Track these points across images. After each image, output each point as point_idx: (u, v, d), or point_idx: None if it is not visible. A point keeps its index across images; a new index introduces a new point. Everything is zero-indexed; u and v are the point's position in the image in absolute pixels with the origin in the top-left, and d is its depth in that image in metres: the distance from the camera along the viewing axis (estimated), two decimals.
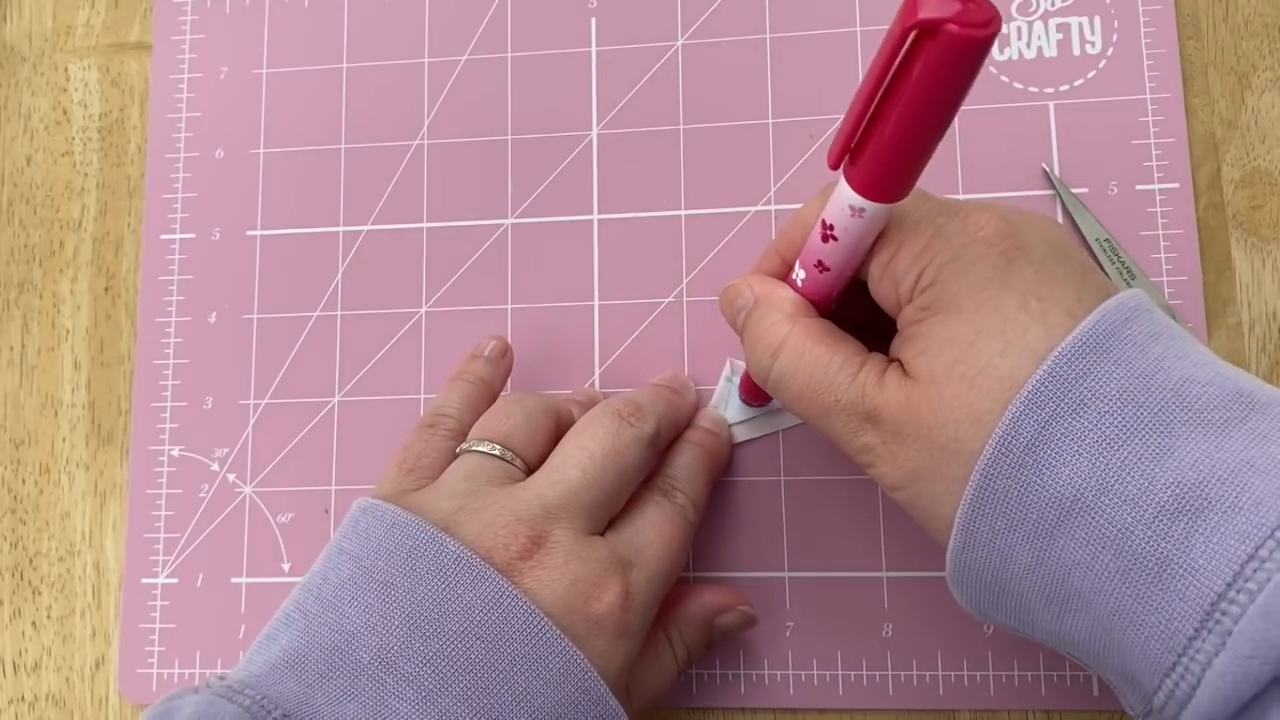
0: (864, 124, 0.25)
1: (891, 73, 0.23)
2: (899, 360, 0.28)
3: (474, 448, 0.34)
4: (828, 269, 0.30)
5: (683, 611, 0.37)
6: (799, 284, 0.31)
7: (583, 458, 0.33)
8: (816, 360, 0.29)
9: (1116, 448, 0.24)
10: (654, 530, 0.33)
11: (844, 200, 0.27)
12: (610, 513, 0.33)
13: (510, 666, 0.29)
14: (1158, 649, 0.24)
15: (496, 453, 0.33)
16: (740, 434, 0.39)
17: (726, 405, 0.40)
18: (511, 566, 0.30)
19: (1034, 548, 0.25)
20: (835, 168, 0.26)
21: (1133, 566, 0.24)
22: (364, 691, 0.28)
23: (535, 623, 0.29)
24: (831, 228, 0.28)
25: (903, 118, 0.24)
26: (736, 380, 0.39)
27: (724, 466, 0.39)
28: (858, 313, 0.32)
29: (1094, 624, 0.25)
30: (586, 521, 0.32)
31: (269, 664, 0.29)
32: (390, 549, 0.30)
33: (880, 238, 0.29)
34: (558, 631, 0.29)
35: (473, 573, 0.29)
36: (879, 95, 0.24)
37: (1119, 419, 0.25)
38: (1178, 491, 0.24)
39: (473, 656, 0.28)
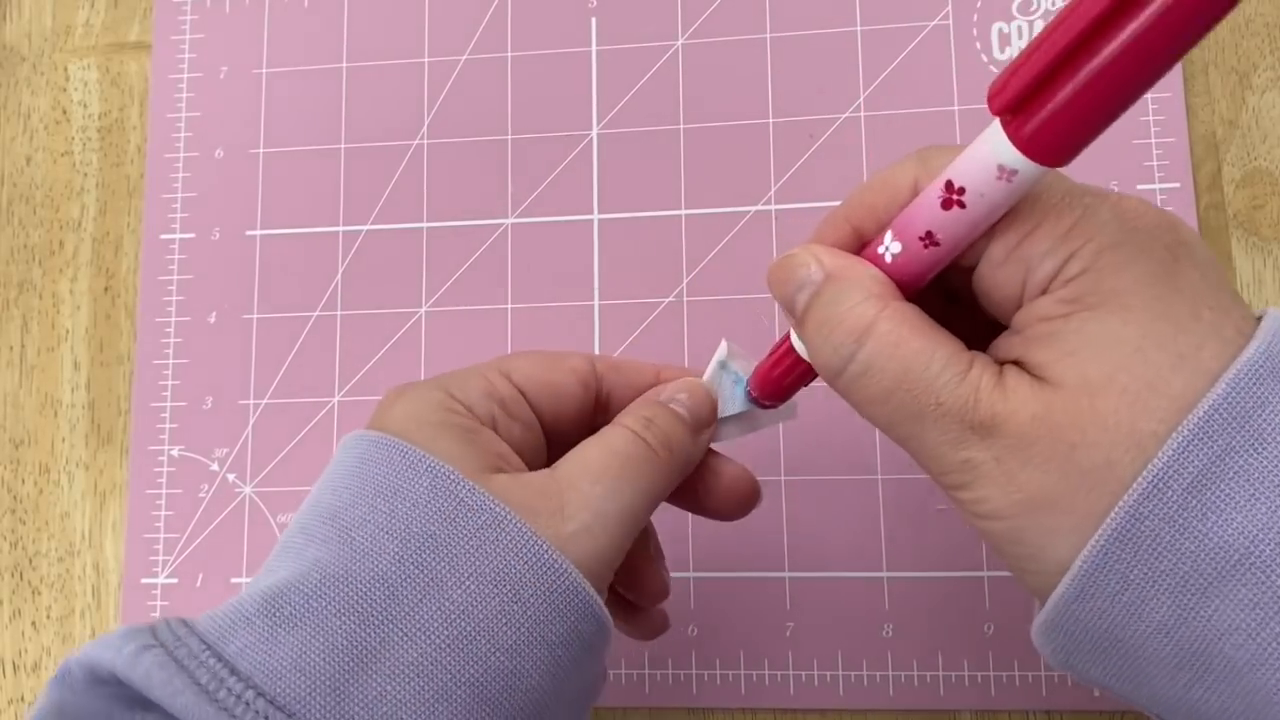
0: (1055, 66, 0.20)
1: (1112, 7, 0.19)
2: (1020, 363, 0.24)
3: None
4: (937, 243, 0.24)
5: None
6: (886, 260, 0.25)
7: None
8: (916, 354, 0.24)
9: None
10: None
11: (992, 157, 0.22)
12: None
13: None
14: None
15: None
16: (725, 432, 0.32)
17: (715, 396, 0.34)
18: None
19: (1177, 606, 0.21)
20: (999, 114, 0.22)
21: None
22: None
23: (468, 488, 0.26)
24: (961, 191, 0.23)
25: (1118, 63, 0.19)
26: (733, 367, 0.33)
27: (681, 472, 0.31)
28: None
29: (1238, 699, 0.22)
30: None
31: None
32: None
33: (1009, 214, 0.24)
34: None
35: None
36: (1085, 33, 0.19)
37: None
38: None
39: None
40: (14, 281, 0.46)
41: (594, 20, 0.44)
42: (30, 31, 0.48)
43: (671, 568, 0.40)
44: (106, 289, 0.45)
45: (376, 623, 0.24)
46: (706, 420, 0.31)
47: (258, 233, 0.44)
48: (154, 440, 0.43)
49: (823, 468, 0.40)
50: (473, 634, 0.24)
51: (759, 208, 0.42)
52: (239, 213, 0.45)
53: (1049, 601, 0.23)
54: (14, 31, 0.48)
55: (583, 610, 0.26)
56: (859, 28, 0.42)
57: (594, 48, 0.44)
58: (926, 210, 0.24)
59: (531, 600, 0.25)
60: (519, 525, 0.25)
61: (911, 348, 0.24)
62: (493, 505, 0.25)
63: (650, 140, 0.43)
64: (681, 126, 0.43)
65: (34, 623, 0.43)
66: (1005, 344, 0.24)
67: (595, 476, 0.27)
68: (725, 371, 0.32)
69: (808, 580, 0.39)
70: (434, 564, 0.25)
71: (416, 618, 0.24)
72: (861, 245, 0.27)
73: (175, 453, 0.43)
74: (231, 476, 0.43)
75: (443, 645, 0.24)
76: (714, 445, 0.32)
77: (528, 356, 0.31)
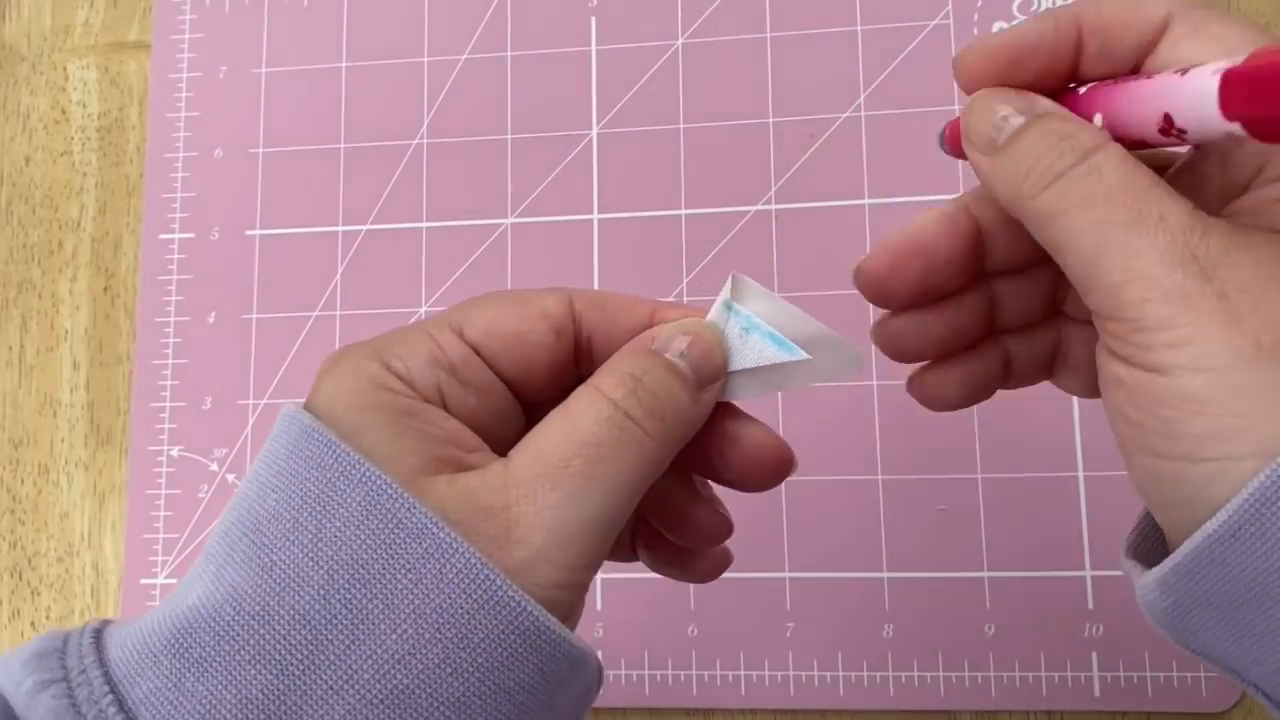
0: None
1: None
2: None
3: None
4: (1182, 132, 0.21)
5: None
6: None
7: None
8: (1144, 174, 0.21)
9: None
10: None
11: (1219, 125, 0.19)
12: None
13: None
14: None
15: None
16: (739, 388, 0.26)
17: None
18: None
19: None
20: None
21: None
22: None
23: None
24: (1182, 132, 0.20)
25: None
26: (742, 311, 0.25)
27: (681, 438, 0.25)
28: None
29: None
30: None
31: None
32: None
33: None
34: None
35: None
36: None
37: None
38: None
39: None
40: (13, 281, 0.46)
41: (594, 20, 0.44)
42: (29, 31, 0.48)
43: None
44: (106, 289, 0.45)
45: (297, 673, 0.20)
46: (713, 373, 0.24)
47: (257, 233, 0.44)
48: (153, 440, 0.43)
49: (823, 468, 0.39)
50: (411, 687, 0.20)
51: (759, 207, 0.42)
52: (238, 213, 0.45)
53: (1197, 536, 0.19)
54: (13, 31, 0.48)
55: (549, 651, 0.21)
56: (859, 27, 0.42)
57: (594, 47, 0.44)
58: (1175, 94, 0.21)
59: (483, 645, 0.21)
60: (466, 554, 0.21)
61: (1140, 170, 0.21)
62: (435, 529, 0.21)
63: (650, 140, 0.43)
64: (681, 126, 0.43)
65: (33, 623, 0.43)
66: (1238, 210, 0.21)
67: (553, 480, 0.22)
68: (733, 314, 0.25)
69: (808, 580, 0.39)
70: (365, 602, 0.21)
71: (344, 667, 0.20)
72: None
73: (175, 453, 0.43)
74: (231, 477, 0.43)
75: (375, 701, 0.20)
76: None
77: (488, 303, 0.25)
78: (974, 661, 0.38)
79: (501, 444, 0.24)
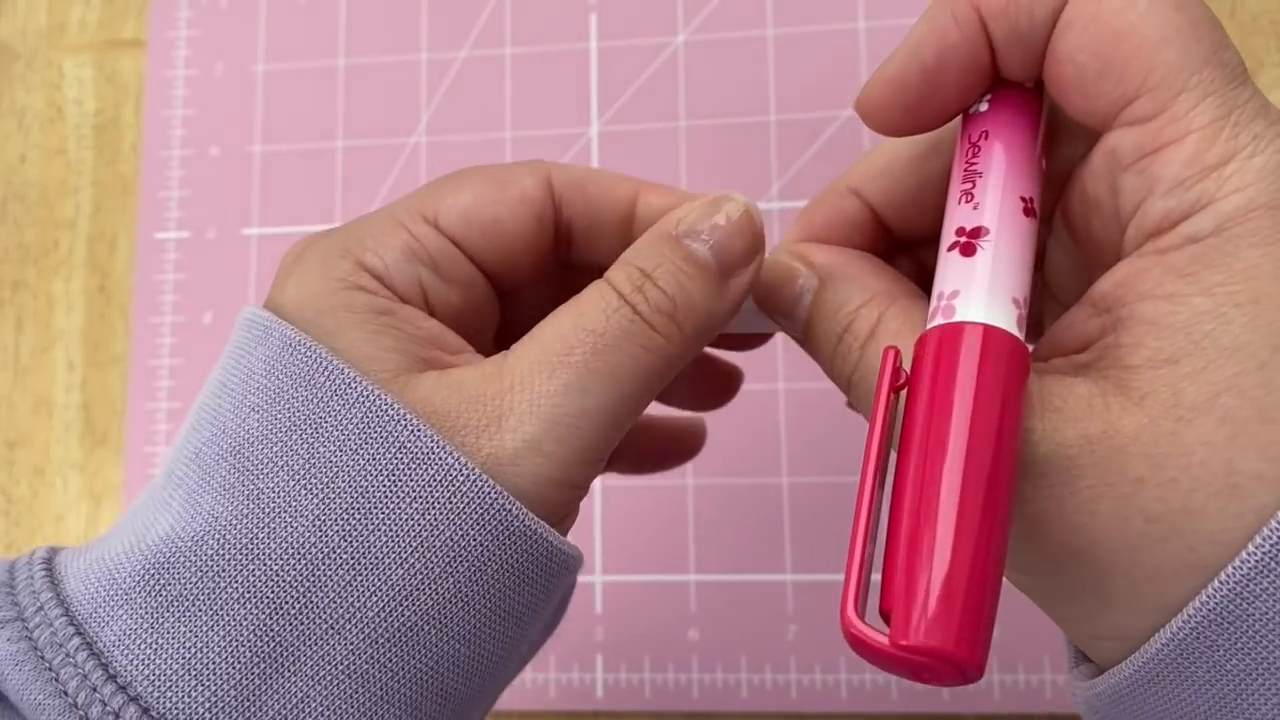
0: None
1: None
2: (1089, 356, 0.18)
3: None
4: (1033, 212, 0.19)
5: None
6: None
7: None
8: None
9: None
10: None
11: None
12: None
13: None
14: None
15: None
16: (741, 321, 0.24)
17: None
18: None
19: None
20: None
21: None
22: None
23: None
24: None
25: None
26: None
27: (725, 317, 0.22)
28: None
29: None
30: None
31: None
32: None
33: (1130, 102, 0.18)
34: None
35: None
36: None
37: None
38: None
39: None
40: (8, 281, 0.45)
41: (594, 17, 0.44)
42: (24, 28, 0.47)
43: (671, 570, 0.40)
44: (101, 288, 0.45)
45: (292, 611, 0.18)
46: (741, 257, 0.21)
47: (254, 232, 0.44)
48: (149, 442, 0.43)
49: (824, 469, 0.39)
50: (419, 624, 0.19)
51: (760, 206, 0.41)
52: (235, 211, 0.44)
53: (1109, 681, 0.18)
54: (8, 28, 0.47)
55: (556, 572, 0.20)
56: (861, 24, 0.42)
57: (593, 44, 0.43)
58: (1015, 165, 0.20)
59: (495, 575, 0.19)
60: (479, 481, 0.19)
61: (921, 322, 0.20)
62: (444, 455, 0.19)
63: (650, 138, 0.42)
64: (682, 124, 0.42)
65: None
66: (1078, 318, 0.19)
67: (551, 368, 0.20)
68: None
69: (809, 583, 0.39)
70: (366, 533, 0.19)
71: (345, 604, 0.19)
72: (870, 227, 0.23)
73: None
74: None
75: (380, 639, 0.19)
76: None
77: (462, 186, 0.23)
78: None
79: (479, 339, 0.23)
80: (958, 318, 0.18)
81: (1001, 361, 0.17)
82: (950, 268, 0.19)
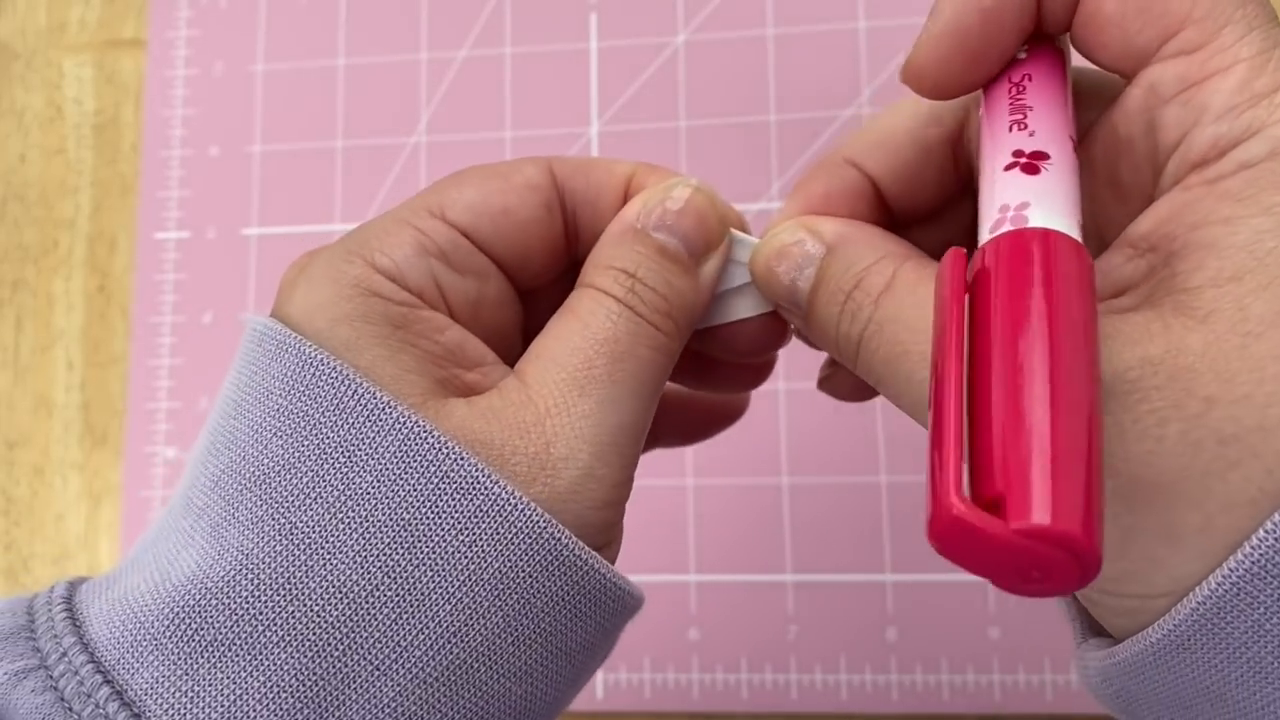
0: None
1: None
2: (1142, 284, 0.18)
3: None
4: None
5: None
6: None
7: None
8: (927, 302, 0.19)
9: None
10: None
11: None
12: None
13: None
14: None
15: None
16: (727, 311, 0.23)
17: None
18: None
19: None
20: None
21: None
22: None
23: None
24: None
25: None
26: (736, 235, 0.23)
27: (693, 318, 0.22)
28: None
29: None
30: None
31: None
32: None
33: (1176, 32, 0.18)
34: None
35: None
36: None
37: None
38: None
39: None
40: (7, 280, 0.45)
41: (594, 16, 0.44)
42: (24, 28, 0.47)
43: (671, 570, 0.40)
44: (101, 288, 0.45)
45: (336, 653, 0.18)
46: (707, 242, 0.21)
47: (254, 231, 0.44)
48: (149, 442, 0.43)
49: (825, 469, 0.39)
50: (468, 661, 0.18)
51: (761, 206, 0.41)
52: (234, 211, 0.44)
53: (1135, 641, 0.17)
54: (8, 28, 0.47)
55: (611, 606, 0.20)
56: (861, 24, 0.42)
57: (593, 44, 0.43)
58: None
59: (547, 608, 0.19)
60: (526, 508, 0.18)
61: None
62: (489, 482, 0.18)
63: (650, 138, 0.42)
64: (682, 124, 0.42)
65: None
66: (1114, 262, 0.18)
67: (581, 386, 0.19)
68: (736, 242, 0.23)
69: (810, 583, 0.39)
70: (410, 568, 0.18)
71: (391, 644, 0.18)
72: (872, 197, 0.22)
73: (170, 454, 0.43)
74: None
75: (429, 679, 0.18)
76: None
77: (465, 181, 0.23)
78: (978, 665, 0.38)
79: (500, 339, 0.22)
80: (1032, 225, 0.17)
81: (1086, 270, 0.16)
82: (1012, 184, 0.18)
